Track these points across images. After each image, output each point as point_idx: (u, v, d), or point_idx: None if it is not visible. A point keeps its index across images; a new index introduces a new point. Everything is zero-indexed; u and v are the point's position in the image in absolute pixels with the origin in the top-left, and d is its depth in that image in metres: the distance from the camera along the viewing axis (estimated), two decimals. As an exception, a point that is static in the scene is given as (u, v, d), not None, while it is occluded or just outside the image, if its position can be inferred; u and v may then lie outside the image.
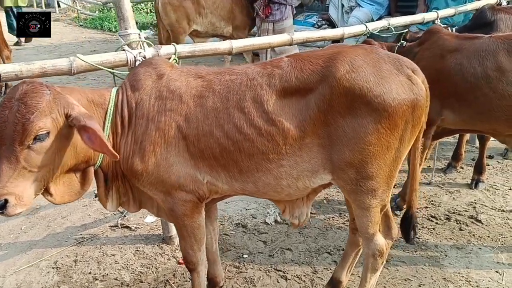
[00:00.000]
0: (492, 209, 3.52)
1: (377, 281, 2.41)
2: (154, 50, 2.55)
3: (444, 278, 2.77)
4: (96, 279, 2.78)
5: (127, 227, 3.31)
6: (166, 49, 2.59)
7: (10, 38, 10.47)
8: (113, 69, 2.53)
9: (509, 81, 2.74)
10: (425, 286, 2.70)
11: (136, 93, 1.98)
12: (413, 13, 4.94)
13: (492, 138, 3.68)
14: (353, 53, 1.90)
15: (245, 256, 3.00)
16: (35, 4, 17.69)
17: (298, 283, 2.74)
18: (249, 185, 2.04)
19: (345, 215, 3.44)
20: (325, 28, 6.92)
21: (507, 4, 4.49)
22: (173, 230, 3.03)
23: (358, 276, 2.65)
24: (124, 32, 2.55)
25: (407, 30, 3.48)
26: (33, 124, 1.70)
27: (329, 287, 2.59)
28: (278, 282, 2.76)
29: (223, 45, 2.79)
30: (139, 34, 2.58)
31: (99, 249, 3.09)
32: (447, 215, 3.45)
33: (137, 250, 3.06)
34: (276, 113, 1.91)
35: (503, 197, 3.70)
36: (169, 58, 2.51)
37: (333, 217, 3.47)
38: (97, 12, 14.85)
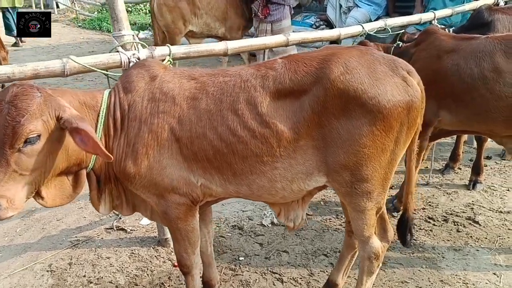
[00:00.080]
0: (490, 210, 3.50)
1: (374, 284, 2.40)
2: (148, 52, 2.53)
3: (442, 280, 2.75)
4: (91, 282, 2.76)
5: (122, 229, 3.29)
6: (161, 50, 2.57)
7: (8, 40, 10.49)
8: (107, 71, 2.52)
9: (506, 82, 2.72)
10: (422, 289, 2.68)
11: (128, 95, 1.96)
12: (411, 14, 4.94)
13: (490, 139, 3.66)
14: (347, 54, 1.89)
15: (241, 258, 2.98)
16: (33, 5, 17.67)
17: (294, 285, 2.72)
18: (243, 188, 2.02)
19: (342, 216, 3.42)
20: (323, 29, 6.90)
21: (505, 4, 4.48)
22: (169, 233, 3.01)
23: (355, 279, 2.63)
24: (118, 33, 2.53)
25: (403, 30, 3.46)
26: (23, 127, 1.68)
27: (325, 290, 2.57)
28: (274, 285, 2.74)
29: (218, 46, 2.77)
30: (133, 35, 2.56)
31: (94, 251, 3.07)
32: (444, 216, 3.43)
33: (132, 253, 3.04)
34: (270, 115, 1.89)
35: (501, 198, 3.69)
36: (163, 60, 2.49)
37: (330, 219, 3.45)
38: (95, 13, 14.83)
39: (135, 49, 2.54)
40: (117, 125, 1.96)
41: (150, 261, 2.96)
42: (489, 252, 3.00)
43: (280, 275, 2.81)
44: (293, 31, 5.72)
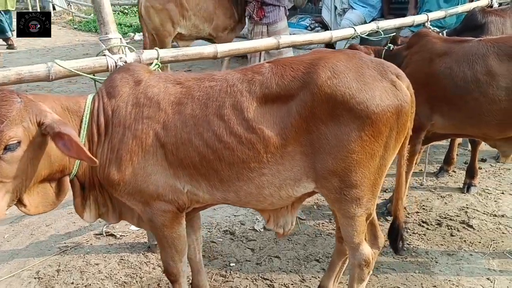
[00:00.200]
0: (484, 213, 3.47)
1: (366, 290, 2.36)
2: (136, 55, 2.49)
3: (435, 286, 2.71)
4: (79, 290, 2.72)
5: (112, 235, 3.24)
6: (149, 54, 2.53)
7: (3, 41, 10.46)
8: (94, 75, 2.48)
9: (499, 86, 2.69)
10: (415, 295, 2.65)
11: (112, 100, 1.92)
12: (407, 16, 4.92)
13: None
14: (335, 58, 1.85)
15: (232, 264, 2.94)
16: (30, 7, 17.61)
17: (285, 292, 2.69)
18: (230, 195, 1.99)
19: (335, 221, 3.38)
20: (318, 31, 6.88)
21: (499, 6, 4.46)
22: (159, 238, 2.97)
23: (346, 284, 2.59)
24: (104, 36, 2.49)
25: (394, 33, 3.43)
26: (2, 134, 1.64)
27: (316, 297, 2.53)
28: (265, 291, 2.70)
29: (208, 49, 2.73)
30: (120, 38, 2.53)
31: (83, 258, 3.02)
32: (438, 220, 3.40)
33: (122, 259, 2.99)
34: (257, 121, 1.85)
35: (495, 201, 3.66)
36: (151, 64, 2.46)
37: (323, 223, 3.41)
38: (92, 15, 14.78)
39: (122, 53, 2.51)
40: (101, 131, 1.92)
41: (140, 268, 2.91)
42: (483, 257, 2.96)
43: (271, 281, 2.77)
44: (289, 33, 5.76)
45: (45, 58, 9.57)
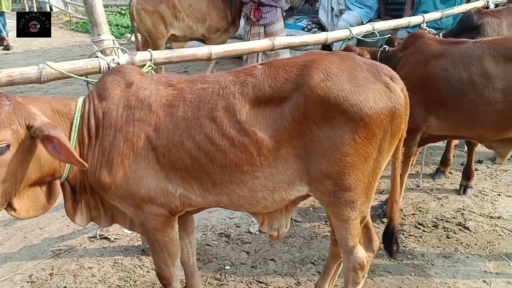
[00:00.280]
0: (481, 215, 3.46)
1: (361, 292, 2.34)
2: (129, 57, 2.47)
3: (430, 289, 2.70)
4: (72, 294, 2.69)
5: (106, 238, 3.22)
6: (142, 56, 2.51)
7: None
8: (86, 77, 2.46)
9: (495, 87, 2.67)
10: (411, 298, 2.63)
11: (103, 102, 1.90)
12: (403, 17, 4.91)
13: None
14: (328, 60, 1.83)
15: (227, 267, 2.92)
16: (27, 8, 17.56)
17: (280, 295, 2.67)
18: (223, 198, 1.96)
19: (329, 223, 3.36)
20: (315, 32, 6.86)
21: (495, 7, 4.45)
22: (153, 241, 2.94)
23: (342, 288, 2.58)
24: (97, 38, 2.47)
25: (390, 35, 3.41)
26: (-10, 137, 1.62)
27: (311, 300, 2.51)
28: (260, 294, 2.68)
29: (202, 51, 2.72)
30: (113, 40, 2.50)
31: (76, 261, 2.99)
32: (434, 222, 3.38)
33: (115, 262, 2.97)
34: (249, 123, 1.83)
35: (491, 203, 3.64)
36: (144, 65, 2.43)
37: (318, 225, 3.39)
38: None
39: (115, 54, 2.48)
40: (92, 134, 1.90)
41: (134, 271, 2.89)
42: (479, 259, 2.95)
43: (266, 285, 2.75)
44: (286, 34, 5.74)
45: (41, 59, 9.53)
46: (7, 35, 10.41)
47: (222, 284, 2.76)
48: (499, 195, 3.76)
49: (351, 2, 6.45)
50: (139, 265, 2.94)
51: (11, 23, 13.82)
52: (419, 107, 2.95)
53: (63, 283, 2.78)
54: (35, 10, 16.69)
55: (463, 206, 3.59)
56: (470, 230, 3.26)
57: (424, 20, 3.82)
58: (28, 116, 1.72)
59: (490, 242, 3.12)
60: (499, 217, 3.41)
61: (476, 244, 3.10)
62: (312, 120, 1.81)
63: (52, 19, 15.56)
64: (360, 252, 2.09)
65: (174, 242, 2.06)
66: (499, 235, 3.21)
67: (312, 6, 7.78)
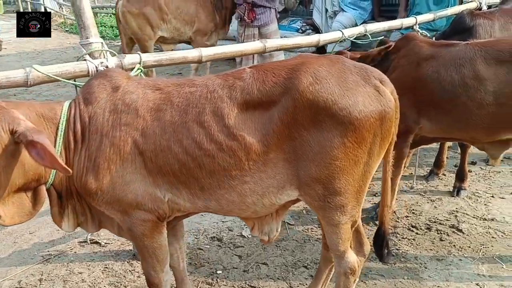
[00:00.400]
0: (474, 217, 3.45)
1: (353, 297, 2.32)
2: (118, 60, 2.44)
3: (423, 292, 2.68)
4: (61, 300, 2.66)
5: (96, 242, 3.18)
6: (131, 59, 2.48)
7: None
8: (75, 80, 2.43)
9: (487, 89, 2.66)
10: (403, 301, 2.61)
11: (89, 106, 1.87)
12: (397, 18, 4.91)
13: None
14: (317, 63, 1.81)
15: (218, 272, 2.89)
16: (21, 9, 17.47)
17: (272, 300, 2.64)
18: (212, 203, 1.94)
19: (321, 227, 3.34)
20: (309, 33, 6.85)
21: (488, 9, 4.45)
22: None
23: (334, 292, 2.55)
24: (85, 41, 2.44)
25: (382, 37, 3.39)
26: (-27, 143, 1.59)
27: (303, 305, 2.49)
28: (251, 299, 2.65)
29: (192, 54, 2.69)
30: (101, 43, 2.47)
31: (66, 266, 2.96)
32: (428, 224, 3.37)
33: (106, 267, 2.93)
34: (238, 127, 1.81)
35: (485, 205, 3.63)
36: (133, 69, 2.41)
37: (311, 229, 3.37)
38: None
39: (103, 57, 2.45)
40: (78, 139, 1.87)
41: (124, 276, 2.85)
42: (472, 262, 2.93)
43: (258, 289, 2.72)
44: (280, 36, 5.71)
45: (35, 61, 9.48)
46: None
47: (213, 289, 2.73)
48: (492, 196, 3.76)
49: (345, 4, 6.44)
50: (130, 270, 2.91)
51: (5, 24, 13.81)
52: (411, 109, 2.94)
53: (52, 289, 2.75)
54: (30, 11, 16.64)
55: (456, 208, 3.58)
56: (463, 233, 3.25)
57: (416, 22, 3.80)
58: (12, 121, 1.68)
59: (483, 245, 3.11)
60: (492, 219, 3.40)
61: (469, 247, 3.09)
62: (301, 124, 1.79)
63: (46, 20, 15.54)
64: (351, 257, 2.07)
65: (163, 248, 2.03)
66: (493, 237, 3.20)
67: (306, 8, 7.76)
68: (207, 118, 1.81)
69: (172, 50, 5.48)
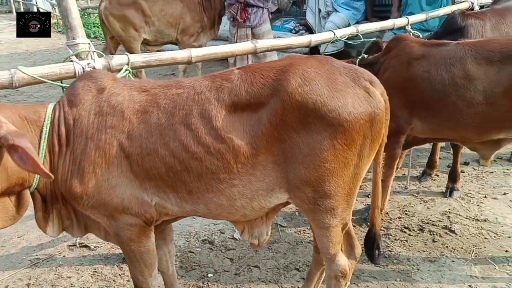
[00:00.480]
0: (467, 218, 3.44)
1: (345, 300, 2.29)
2: (105, 61, 2.41)
3: (416, 294, 2.66)
4: (49, 305, 2.61)
5: (86, 246, 3.13)
6: (118, 60, 2.44)
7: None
8: (61, 82, 2.39)
9: (477, 89, 2.66)
10: (395, 304, 2.59)
11: (74, 109, 1.83)
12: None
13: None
14: (305, 65, 1.79)
15: (210, 275, 2.85)
16: (13, 10, 17.35)
17: (263, 303, 2.61)
18: (200, 207, 1.91)
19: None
20: (302, 34, 6.83)
21: (480, 9, 4.45)
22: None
23: (326, 295, 2.53)
24: (71, 42, 2.40)
25: (374, 39, 3.37)
26: (-48, 147, 1.54)
27: (295, 308, 2.46)
28: (243, 303, 2.62)
29: (181, 54, 2.66)
30: (88, 43, 2.43)
31: (55, 271, 2.91)
32: (420, 225, 3.35)
33: (95, 271, 2.89)
34: (226, 130, 1.78)
35: (477, 205, 3.63)
36: (120, 70, 2.37)
37: (304, 230, 3.34)
38: (77, 17, 14.55)
39: (91, 58, 2.41)
40: (62, 142, 1.83)
41: (114, 280, 2.81)
42: (464, 263, 2.92)
43: (250, 293, 2.69)
44: (273, 36, 5.68)
45: (27, 62, 9.40)
46: None
47: (204, 293, 2.70)
48: (485, 197, 3.75)
49: (338, 4, 6.43)
50: (119, 274, 2.87)
51: (-1, 25, 13.68)
52: (402, 109, 2.92)
53: (40, 294, 2.70)
54: (22, 12, 16.51)
55: (449, 209, 3.57)
56: (456, 234, 3.24)
57: (408, 22, 3.79)
58: (-7, 124, 1.64)
59: (476, 246, 3.09)
60: (485, 220, 3.39)
61: (462, 248, 3.08)
62: (290, 126, 1.76)
63: (39, 21, 15.42)
64: (342, 260, 2.05)
65: (151, 253, 2.00)
66: (485, 238, 3.19)
67: (300, 8, 7.75)
68: (194, 120, 1.78)
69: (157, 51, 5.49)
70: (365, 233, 2.26)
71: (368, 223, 3.30)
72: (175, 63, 2.67)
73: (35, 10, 16.29)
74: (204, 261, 3.00)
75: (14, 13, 16.46)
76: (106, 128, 1.80)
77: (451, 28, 3.50)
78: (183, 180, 1.82)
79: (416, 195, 3.83)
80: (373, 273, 2.84)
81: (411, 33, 3.67)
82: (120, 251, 3.05)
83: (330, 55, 5.92)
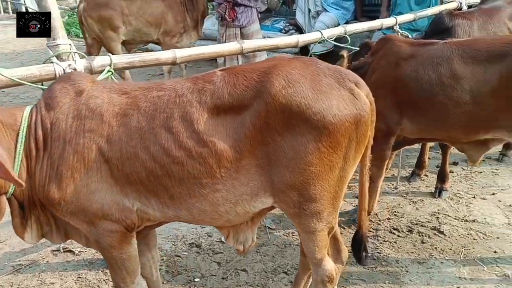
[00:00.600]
0: (455, 219, 3.43)
1: (334, 302, 2.26)
2: (87, 62, 2.35)
3: (404, 297, 2.64)
4: (30, 312, 2.55)
5: (70, 251, 3.07)
6: (100, 61, 2.39)
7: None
8: (42, 84, 2.33)
9: (464, 88, 2.64)
10: (384, 307, 2.57)
11: (51, 112, 1.78)
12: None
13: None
14: (289, 66, 1.75)
15: (196, 279, 2.81)
16: (1, 10, 17.10)
17: (251, 308, 2.57)
18: (183, 212, 1.86)
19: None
20: (292, 34, 6.80)
21: (468, 8, 4.45)
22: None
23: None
24: (52, 42, 2.34)
25: (366, 40, 3.34)
26: None
27: (282, 313, 2.43)
28: (229, 308, 2.58)
29: (166, 55, 2.60)
30: (70, 44, 2.37)
31: (38, 277, 2.84)
32: (409, 227, 3.33)
33: (79, 277, 2.83)
34: (208, 133, 1.73)
35: (466, 206, 3.62)
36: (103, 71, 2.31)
37: (292, 233, 3.31)
38: (66, 17, 14.39)
39: (72, 60, 2.35)
40: (39, 146, 1.77)
41: (98, 286, 2.76)
42: (453, 265, 2.91)
43: (237, 297, 2.65)
44: (263, 36, 5.64)
45: (14, 62, 9.27)
46: None
47: (190, 298, 2.65)
48: (474, 197, 3.75)
49: (328, 4, 6.41)
50: (104, 280, 2.81)
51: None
52: (392, 110, 2.91)
53: (21, 301, 2.63)
54: (10, 12, 16.27)
55: (438, 210, 3.56)
56: (444, 235, 3.22)
57: (397, 22, 3.77)
58: (-35, 129, 1.58)
59: (464, 247, 3.08)
60: (473, 221, 3.39)
61: (450, 249, 3.07)
62: (274, 129, 1.72)
63: (27, 21, 15.19)
64: (329, 264, 2.01)
65: (132, 259, 1.94)
66: (474, 239, 3.18)
67: (290, 8, 7.72)
68: (176, 124, 1.74)
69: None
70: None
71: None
72: (160, 64, 2.62)
73: (24, 9, 16.08)
74: (191, 265, 2.95)
75: (2, 13, 16.23)
76: (84, 132, 1.75)
77: (439, 28, 3.49)
78: (164, 185, 1.77)
79: (405, 195, 3.81)
80: (362, 276, 2.81)
81: (399, 33, 3.65)
82: (105, 256, 2.99)
83: (320, 55, 5.95)
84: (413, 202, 3.70)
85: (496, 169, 4.24)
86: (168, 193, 1.79)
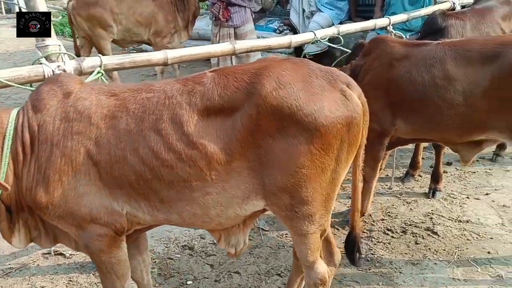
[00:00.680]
0: (449, 219, 3.42)
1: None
2: (76, 63, 2.32)
3: (398, 298, 2.63)
4: (20, 317, 2.51)
5: (61, 254, 3.03)
6: (90, 62, 2.36)
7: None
8: (31, 85, 2.29)
9: (456, 89, 2.63)
10: (377, 309, 2.56)
11: (38, 114, 1.75)
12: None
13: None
14: (280, 67, 1.73)
15: (189, 282, 2.78)
16: (-5, 10, 16.93)
17: (244, 311, 2.55)
18: (173, 216, 1.84)
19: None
20: (286, 34, 6.78)
21: (462, 9, 4.45)
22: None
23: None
24: (41, 43, 2.30)
25: (360, 41, 3.32)
26: None
27: (275, 316, 2.41)
28: (222, 311, 2.56)
29: (157, 56, 2.58)
30: (59, 45, 2.34)
31: (28, 280, 2.81)
32: (403, 227, 3.32)
33: (70, 280, 2.79)
34: (198, 135, 1.71)
35: (460, 206, 3.62)
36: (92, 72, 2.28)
37: (286, 234, 3.29)
38: (60, 17, 14.29)
39: (61, 61, 2.32)
40: (26, 149, 1.74)
41: (89, 290, 2.73)
42: (447, 265, 2.90)
43: (229, 300, 2.63)
44: (257, 36, 5.62)
45: (6, 63, 9.17)
46: None
47: (182, 301, 2.63)
48: (467, 197, 3.74)
49: (322, 4, 6.39)
50: (95, 283, 2.78)
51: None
52: (386, 111, 2.89)
53: (11, 306, 2.60)
54: (3, 11, 16.12)
55: (432, 210, 3.55)
56: (438, 235, 3.22)
57: (390, 22, 3.77)
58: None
59: (458, 247, 3.08)
60: (467, 221, 3.38)
61: (444, 250, 3.06)
62: (265, 131, 1.70)
63: (20, 20, 15.06)
64: (321, 267, 2.00)
65: (122, 263, 1.92)
66: (468, 239, 3.17)
67: (284, 8, 7.70)
68: (165, 126, 1.71)
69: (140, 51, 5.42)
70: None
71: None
72: (151, 65, 2.59)
73: (17, 9, 15.94)
74: (184, 267, 2.93)
75: (-4, 13, 16.09)
76: (72, 135, 1.72)
77: (432, 28, 3.48)
78: (154, 188, 1.75)
79: (399, 196, 3.80)
80: (355, 277, 2.80)
81: (392, 34, 3.64)
82: (97, 259, 2.96)
83: (314, 55, 5.93)
84: (407, 202, 3.70)
85: (489, 169, 4.24)
86: (158, 196, 1.77)
